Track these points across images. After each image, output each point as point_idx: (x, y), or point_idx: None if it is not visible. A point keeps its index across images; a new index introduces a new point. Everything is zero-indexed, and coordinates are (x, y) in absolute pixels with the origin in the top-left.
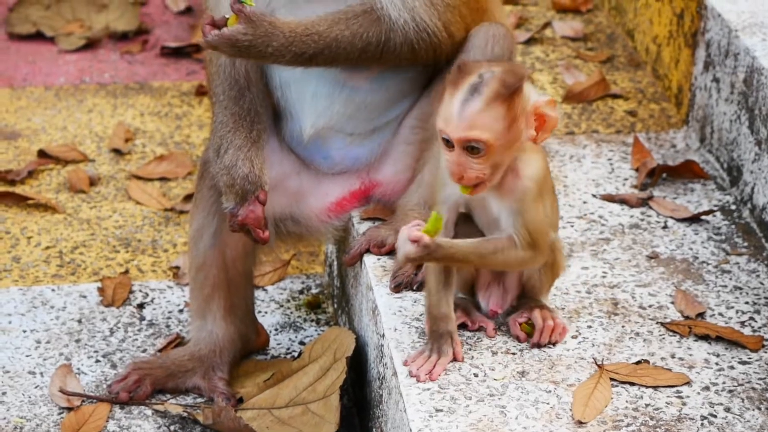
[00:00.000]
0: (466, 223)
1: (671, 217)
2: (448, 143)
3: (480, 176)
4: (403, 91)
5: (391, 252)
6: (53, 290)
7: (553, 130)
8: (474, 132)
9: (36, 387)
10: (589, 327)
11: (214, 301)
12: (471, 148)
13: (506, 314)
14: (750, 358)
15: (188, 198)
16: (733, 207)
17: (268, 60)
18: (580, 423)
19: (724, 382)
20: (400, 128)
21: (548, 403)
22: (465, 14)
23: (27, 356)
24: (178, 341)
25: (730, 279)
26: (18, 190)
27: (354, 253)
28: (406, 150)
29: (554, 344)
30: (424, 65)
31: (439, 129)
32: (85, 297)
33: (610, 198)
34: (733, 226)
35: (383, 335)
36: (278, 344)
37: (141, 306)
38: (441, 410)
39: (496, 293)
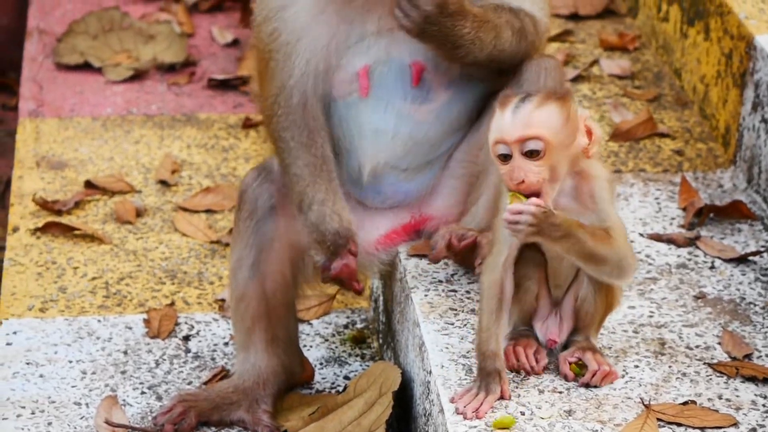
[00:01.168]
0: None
1: (718, 258)
2: (505, 157)
3: (540, 179)
4: (455, 125)
5: (471, 247)
6: (99, 321)
7: (599, 144)
8: (531, 130)
9: (81, 418)
10: (636, 367)
11: (255, 333)
12: (530, 152)
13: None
14: None
15: None
16: None
17: (447, 40)
18: None
19: None
20: (449, 162)
21: None
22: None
23: (72, 387)
24: (224, 374)
25: None
26: (64, 220)
27: (440, 247)
28: (455, 184)
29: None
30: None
31: (495, 141)
32: (130, 328)
33: (657, 237)
34: None
35: (430, 372)
36: (323, 378)
37: (186, 338)
38: None
39: (553, 323)
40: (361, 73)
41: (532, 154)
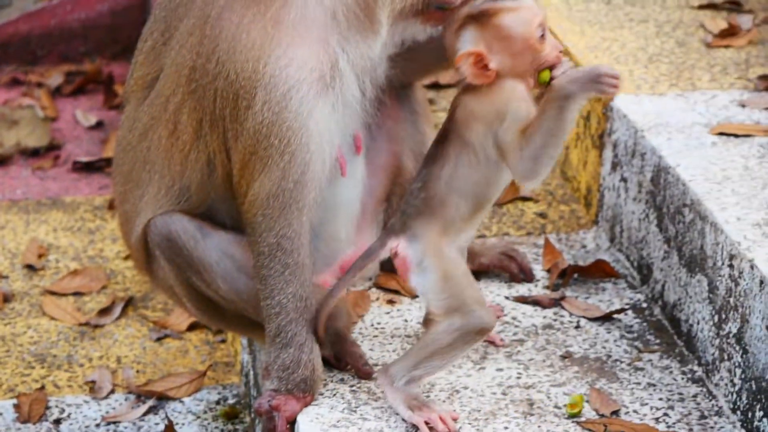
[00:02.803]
0: None
1: (584, 317)
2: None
3: None
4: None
5: None
6: None
7: None
8: None
9: None
10: (506, 428)
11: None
12: None
13: None
14: None
15: (103, 312)
16: (645, 305)
17: None
18: None
19: None
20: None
21: None
22: None
23: None
24: None
25: (644, 376)
26: None
27: None
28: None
29: None
30: None
31: (538, 24)
32: (0, 414)
33: (522, 299)
34: (644, 324)
35: None
36: None
37: (57, 421)
38: None
39: None
40: (339, 152)
41: None
